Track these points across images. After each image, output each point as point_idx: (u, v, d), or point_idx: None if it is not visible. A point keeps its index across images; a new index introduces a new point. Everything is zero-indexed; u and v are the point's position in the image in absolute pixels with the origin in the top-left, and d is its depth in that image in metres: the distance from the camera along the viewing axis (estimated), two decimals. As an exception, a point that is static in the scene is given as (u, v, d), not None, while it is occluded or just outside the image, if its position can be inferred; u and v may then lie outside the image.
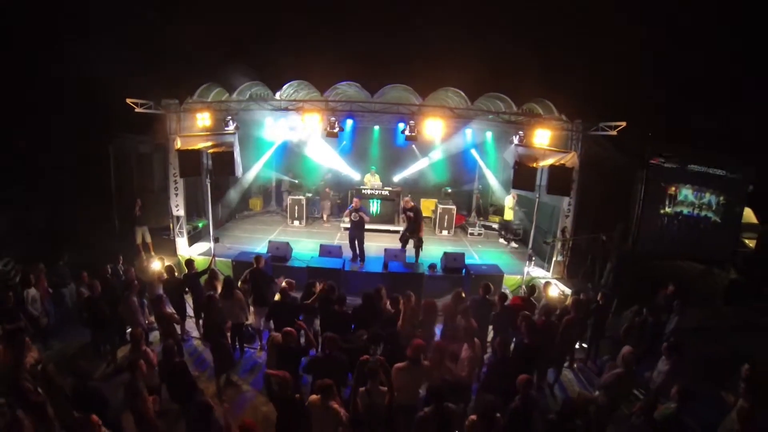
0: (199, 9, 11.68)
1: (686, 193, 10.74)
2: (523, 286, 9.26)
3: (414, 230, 9.47)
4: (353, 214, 9.49)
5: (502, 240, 12.57)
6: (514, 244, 12.15)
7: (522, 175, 8.69)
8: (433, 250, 10.43)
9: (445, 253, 9.39)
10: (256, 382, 6.30)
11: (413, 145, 13.17)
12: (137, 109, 8.95)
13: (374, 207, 12.61)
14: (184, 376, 4.92)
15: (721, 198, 10.78)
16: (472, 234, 12.90)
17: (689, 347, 6.00)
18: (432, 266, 9.22)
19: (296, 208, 13.00)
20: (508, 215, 12.24)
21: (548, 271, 10.04)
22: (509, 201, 12.02)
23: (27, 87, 9.29)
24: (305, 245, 10.78)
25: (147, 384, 4.71)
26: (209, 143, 8.91)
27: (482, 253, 11.29)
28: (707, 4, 11.43)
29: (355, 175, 13.87)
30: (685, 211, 10.80)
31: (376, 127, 13.92)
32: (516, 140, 9.42)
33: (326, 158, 13.42)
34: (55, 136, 9.19)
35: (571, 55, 11.91)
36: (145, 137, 10.62)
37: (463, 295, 6.57)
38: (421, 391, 4.95)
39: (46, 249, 8.19)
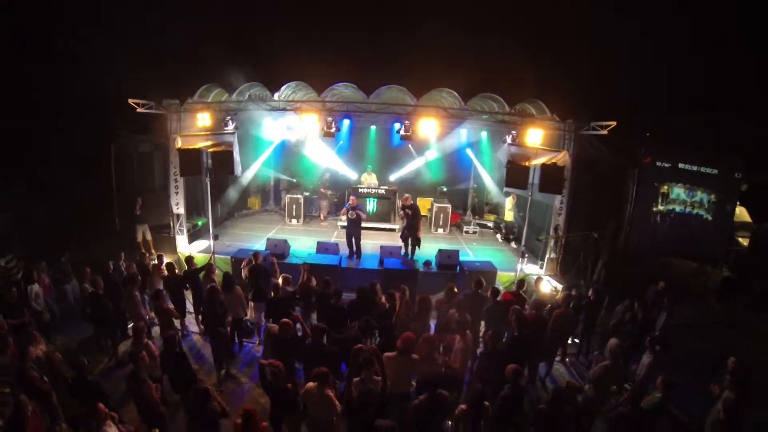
0: (199, 9, 11.81)
1: (678, 191, 10.86)
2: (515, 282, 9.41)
3: (412, 228, 9.61)
4: (350, 211, 9.62)
5: (501, 239, 12.68)
6: (513, 244, 12.25)
7: (514, 174, 8.84)
8: (429, 247, 10.58)
9: (440, 250, 9.52)
10: (254, 376, 6.44)
11: (409, 145, 13.34)
12: (139, 110, 9.06)
13: (371, 205, 12.76)
14: (184, 365, 5.07)
15: (713, 196, 10.88)
16: (467, 232, 13.06)
17: (678, 343, 6.19)
18: (427, 263, 9.37)
19: (294, 206, 13.16)
20: (509, 216, 12.38)
21: (541, 268, 10.19)
22: (509, 203, 12.20)
23: (29, 86, 9.41)
24: (303, 243, 10.92)
25: (149, 374, 4.86)
26: (209, 142, 9.06)
27: (477, 250, 11.45)
28: (700, 4, 11.58)
29: (352, 175, 13.98)
30: (677, 209, 10.88)
31: (373, 127, 14.07)
32: (509, 140, 9.60)
33: (324, 158, 13.55)
34: (58, 135, 9.32)
35: (563, 55, 12.05)
36: (145, 136, 10.74)
37: (456, 290, 6.72)
38: (412, 383, 5.08)
39: (48, 246, 8.34)
